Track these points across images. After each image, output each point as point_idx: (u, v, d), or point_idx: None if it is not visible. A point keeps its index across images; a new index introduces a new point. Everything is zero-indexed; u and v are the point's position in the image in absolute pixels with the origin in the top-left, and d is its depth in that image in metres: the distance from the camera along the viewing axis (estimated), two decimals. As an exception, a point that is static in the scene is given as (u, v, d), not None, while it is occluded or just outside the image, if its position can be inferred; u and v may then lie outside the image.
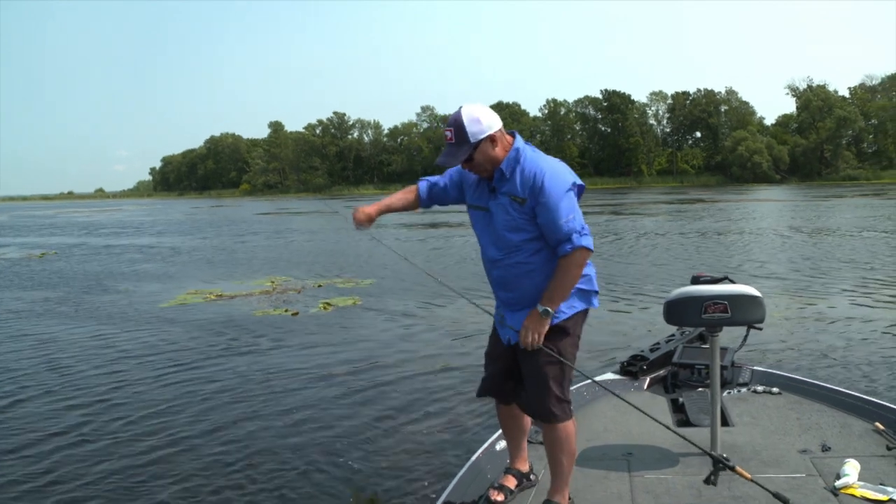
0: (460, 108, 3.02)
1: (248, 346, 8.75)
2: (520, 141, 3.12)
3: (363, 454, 5.20)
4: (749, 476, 3.06)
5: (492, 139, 3.02)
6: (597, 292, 3.26)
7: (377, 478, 4.78)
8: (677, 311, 3.63)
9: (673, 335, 5.66)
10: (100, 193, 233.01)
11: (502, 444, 3.87)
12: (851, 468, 3.37)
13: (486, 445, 3.97)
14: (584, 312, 3.22)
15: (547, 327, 3.06)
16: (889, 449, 3.67)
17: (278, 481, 4.75)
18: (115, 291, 14.02)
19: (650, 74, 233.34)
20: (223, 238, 28.44)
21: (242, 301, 12.21)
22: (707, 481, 3.21)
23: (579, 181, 3.13)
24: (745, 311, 3.50)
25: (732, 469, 3.12)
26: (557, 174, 3.02)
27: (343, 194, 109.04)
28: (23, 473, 4.97)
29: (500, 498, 3.32)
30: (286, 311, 10.96)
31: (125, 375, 7.51)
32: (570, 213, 2.97)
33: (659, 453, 3.78)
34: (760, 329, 4.17)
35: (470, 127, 2.98)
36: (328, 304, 11.44)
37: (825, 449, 3.71)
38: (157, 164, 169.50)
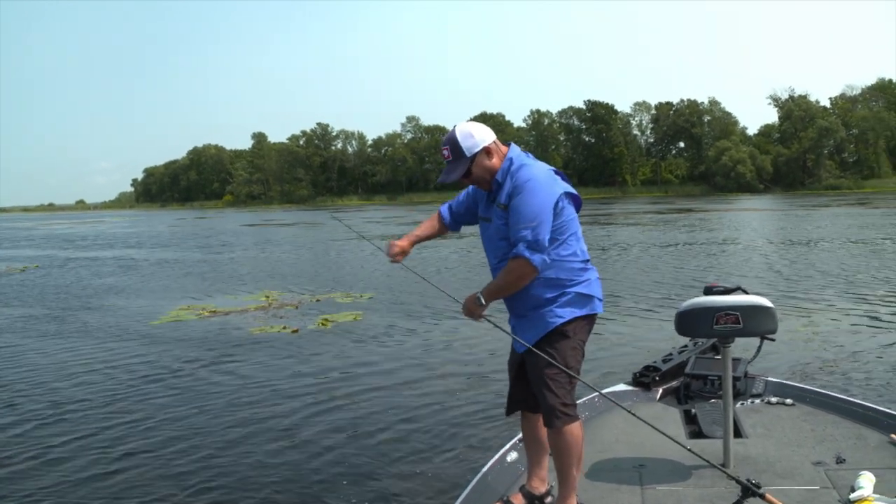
0: (454, 126, 3.20)
1: (249, 366, 8.29)
2: (514, 150, 3.23)
3: (373, 470, 5.13)
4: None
5: (487, 151, 3.17)
6: (600, 299, 3.27)
7: (387, 492, 4.68)
8: (689, 321, 3.61)
9: (686, 346, 5.58)
10: (81, 205, 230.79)
11: (513, 456, 3.89)
12: (866, 480, 3.27)
13: (496, 457, 3.88)
14: (587, 318, 3.23)
15: (479, 313, 3.18)
16: None
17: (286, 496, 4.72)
18: (103, 308, 13.47)
19: (633, 85, 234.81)
20: (211, 251, 27.85)
21: (238, 317, 11.73)
22: None
23: (571, 191, 3.20)
24: (757, 322, 3.47)
25: (762, 497, 2.89)
26: (539, 183, 3.07)
27: (327, 205, 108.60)
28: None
29: None
30: (284, 328, 10.49)
31: (122, 403, 7.02)
32: (532, 222, 3.00)
33: (671, 465, 3.71)
34: (773, 340, 4.11)
35: (464, 142, 3.15)
36: (328, 319, 10.99)
37: (840, 461, 3.64)
38: (139, 176, 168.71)
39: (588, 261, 3.27)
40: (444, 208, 3.58)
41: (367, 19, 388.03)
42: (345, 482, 4.91)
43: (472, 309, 3.19)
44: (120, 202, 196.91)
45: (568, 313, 3.15)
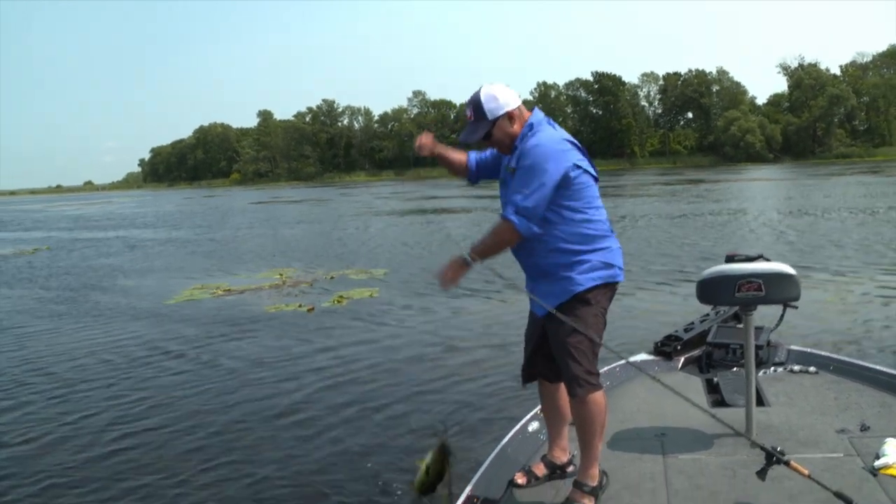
0: (480, 87, 3.13)
1: (265, 346, 8.20)
2: (536, 116, 3.17)
3: (390, 441, 5.13)
4: (806, 472, 2.85)
5: (509, 116, 3.11)
6: (621, 268, 3.21)
7: (407, 464, 4.62)
8: (710, 290, 3.55)
9: (707, 315, 5.53)
10: (88, 186, 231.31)
11: (535, 426, 3.89)
12: (891, 448, 3.23)
13: (517, 427, 3.88)
14: (608, 286, 3.17)
15: (461, 274, 3.09)
16: None
17: (314, 466, 4.79)
18: (116, 288, 13.41)
19: (641, 56, 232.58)
20: (221, 229, 27.80)
21: (252, 296, 11.64)
22: (759, 474, 2.94)
23: (586, 162, 3.13)
24: (779, 290, 3.43)
25: (787, 464, 2.88)
26: (545, 150, 3.01)
27: (334, 181, 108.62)
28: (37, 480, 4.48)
29: (523, 481, 3.31)
30: (300, 306, 10.39)
31: (140, 383, 6.95)
32: (527, 188, 2.97)
33: (693, 434, 3.69)
34: (796, 308, 4.03)
35: (487, 104, 3.09)
36: (343, 297, 10.88)
37: (864, 429, 3.59)
38: (146, 156, 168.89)
39: (610, 230, 3.21)
40: (472, 154, 3.52)
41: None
42: (364, 455, 4.93)
43: (456, 269, 3.08)
44: (128, 182, 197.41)
45: (589, 280, 3.09)
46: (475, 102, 3.12)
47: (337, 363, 7.34)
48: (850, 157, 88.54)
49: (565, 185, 3.02)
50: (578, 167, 3.07)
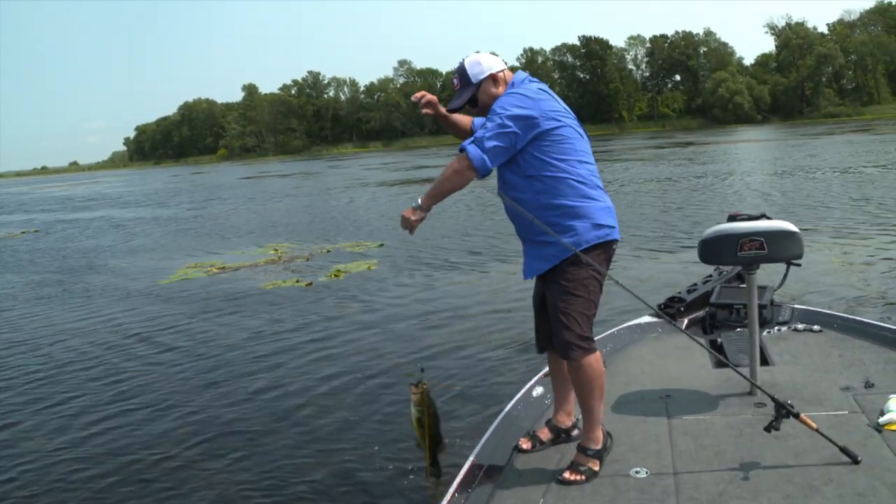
0: (464, 57, 3.21)
1: (266, 324, 8.03)
2: (519, 75, 3.20)
3: (399, 410, 5.05)
4: (815, 426, 2.88)
5: (493, 78, 3.16)
6: (613, 226, 3.14)
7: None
8: (712, 249, 3.54)
9: (710, 276, 5.51)
10: (74, 167, 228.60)
11: (539, 390, 3.89)
12: None
13: (522, 392, 3.89)
14: (602, 247, 3.09)
15: (415, 220, 2.99)
16: None
17: (325, 444, 4.68)
18: (108, 269, 13.20)
19: (627, 18, 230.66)
20: (211, 206, 27.49)
21: (248, 273, 11.46)
22: (768, 428, 2.94)
23: (560, 116, 3.06)
24: (782, 248, 3.43)
25: (797, 416, 2.90)
26: (514, 95, 3.03)
27: (322, 154, 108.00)
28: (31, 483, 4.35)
29: (527, 446, 3.32)
30: (297, 281, 10.23)
31: (137, 366, 6.79)
32: (490, 123, 2.95)
33: (697, 395, 3.69)
34: (799, 265, 4.06)
35: (471, 69, 3.17)
36: (341, 270, 10.72)
37: (868, 386, 3.58)
38: (131, 134, 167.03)
39: (599, 187, 3.14)
40: (477, 119, 3.44)
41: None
42: (372, 423, 4.94)
43: (408, 218, 3.00)
44: (113, 162, 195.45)
45: (580, 242, 3.03)
46: (460, 70, 3.20)
47: (340, 336, 7.26)
48: (838, 116, 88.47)
49: (544, 135, 2.99)
50: (557, 119, 3.03)
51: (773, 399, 2.93)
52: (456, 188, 3.02)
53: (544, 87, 3.15)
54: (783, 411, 2.91)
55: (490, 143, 2.92)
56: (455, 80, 3.24)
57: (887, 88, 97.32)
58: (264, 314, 8.48)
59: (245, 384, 6.01)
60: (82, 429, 5.27)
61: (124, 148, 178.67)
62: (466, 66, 3.18)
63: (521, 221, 3.16)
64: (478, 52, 3.24)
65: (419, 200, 3.00)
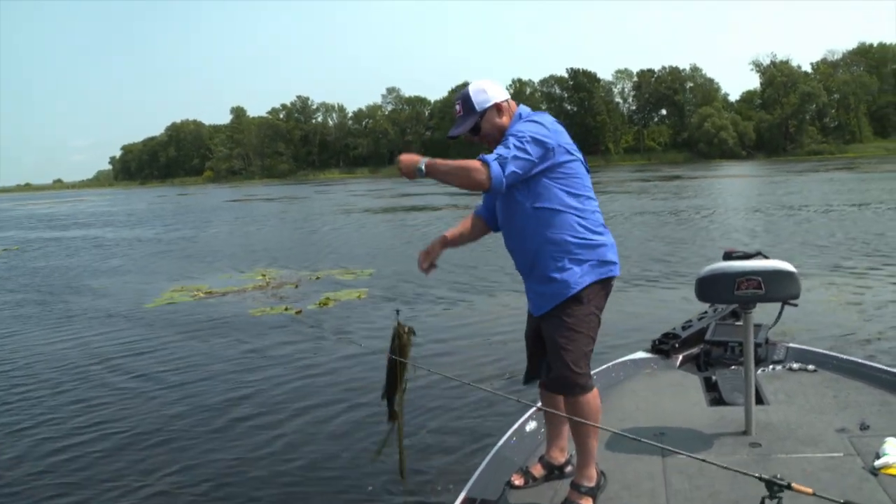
0: (468, 83, 3.16)
1: (254, 352, 7.84)
2: (525, 108, 3.18)
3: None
4: (810, 491, 2.68)
5: (497, 108, 3.11)
6: (615, 263, 3.16)
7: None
8: (709, 287, 3.52)
9: (705, 312, 5.50)
10: (58, 184, 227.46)
11: (532, 426, 3.85)
12: (891, 447, 3.20)
13: (515, 427, 3.82)
14: (602, 283, 3.10)
15: (412, 175, 2.87)
16: None
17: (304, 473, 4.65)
18: (92, 291, 12.94)
19: (615, 51, 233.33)
20: (198, 228, 27.23)
21: (236, 298, 11.25)
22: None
23: (573, 150, 3.09)
24: (779, 287, 3.41)
25: (789, 487, 2.69)
26: (537, 123, 3.01)
27: (309, 179, 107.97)
28: None
29: (520, 482, 3.27)
30: (286, 308, 10.03)
31: (120, 394, 6.56)
32: (512, 145, 2.89)
33: (692, 433, 3.66)
34: (796, 305, 3.90)
35: (476, 97, 3.10)
36: (331, 298, 10.54)
37: (864, 427, 3.55)
38: (117, 153, 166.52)
39: (603, 224, 3.18)
40: (478, 209, 3.42)
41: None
42: (362, 456, 4.85)
43: (409, 167, 2.88)
44: (98, 181, 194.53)
45: (583, 281, 3.03)
46: (464, 96, 3.13)
47: (329, 365, 7.14)
48: (821, 153, 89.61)
49: (557, 167, 3.00)
50: (570, 153, 3.06)
51: (759, 479, 2.90)
52: (459, 184, 2.91)
53: (556, 120, 3.12)
54: (774, 487, 2.87)
55: (511, 166, 2.86)
56: (457, 106, 3.17)
57: (869, 127, 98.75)
58: (253, 342, 8.27)
59: (231, 414, 5.85)
60: (49, 455, 5.14)
61: (110, 167, 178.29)
62: (471, 92, 3.11)
63: (522, 256, 3.13)
64: (480, 80, 3.19)
65: (423, 165, 2.86)
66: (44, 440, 5.48)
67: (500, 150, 2.89)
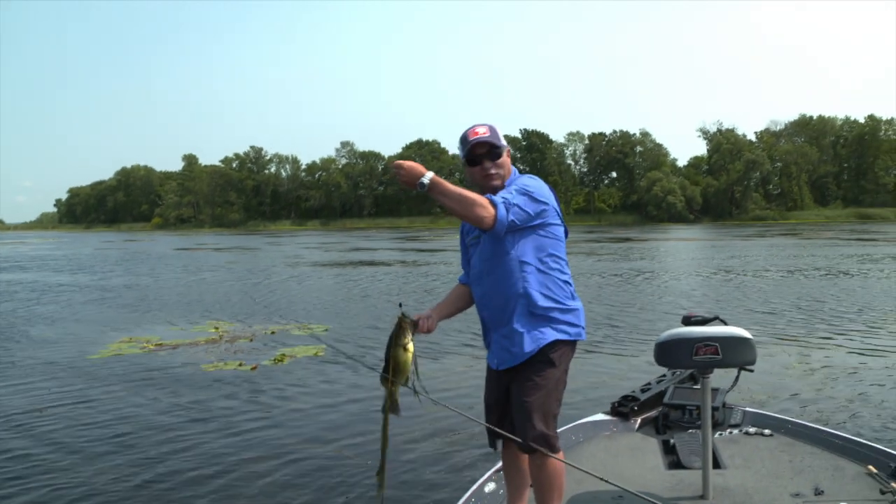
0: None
1: (208, 410, 7.48)
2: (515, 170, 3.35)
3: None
4: None
5: (507, 152, 3.29)
6: (583, 327, 3.27)
7: None
8: (668, 352, 3.58)
9: (664, 375, 5.54)
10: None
11: (491, 487, 3.81)
12: None
13: (473, 489, 3.79)
14: (571, 345, 3.19)
15: (413, 185, 2.84)
16: (882, 493, 3.59)
17: None
18: (31, 339, 12.37)
19: (567, 114, 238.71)
20: (146, 276, 26.48)
21: (187, 351, 10.85)
22: None
23: (560, 216, 3.23)
24: (736, 354, 3.49)
25: None
26: (540, 182, 3.19)
27: (259, 230, 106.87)
28: None
29: None
30: (241, 364, 9.67)
31: (54, 454, 6.16)
32: (519, 193, 3.00)
33: (651, 497, 3.50)
34: (752, 371, 4.11)
35: (500, 134, 3.26)
36: (286, 355, 10.23)
37: (818, 493, 3.63)
38: (63, 195, 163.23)
39: (574, 290, 3.28)
40: (461, 278, 3.50)
41: (302, 42, 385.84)
42: None
43: (412, 176, 2.84)
44: (41, 223, 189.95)
45: (557, 335, 3.11)
46: (491, 125, 3.25)
47: (285, 426, 6.89)
48: (765, 219, 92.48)
49: (547, 226, 3.11)
50: (559, 217, 3.20)
51: None
52: (461, 212, 2.89)
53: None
54: None
55: (514, 213, 2.96)
56: (485, 128, 3.21)
57: (810, 195, 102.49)
58: (207, 399, 7.92)
59: (187, 474, 5.52)
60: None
61: (55, 209, 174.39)
62: (497, 129, 3.24)
63: (496, 306, 3.16)
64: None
65: (427, 181, 2.81)
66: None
67: (505, 195, 2.99)
